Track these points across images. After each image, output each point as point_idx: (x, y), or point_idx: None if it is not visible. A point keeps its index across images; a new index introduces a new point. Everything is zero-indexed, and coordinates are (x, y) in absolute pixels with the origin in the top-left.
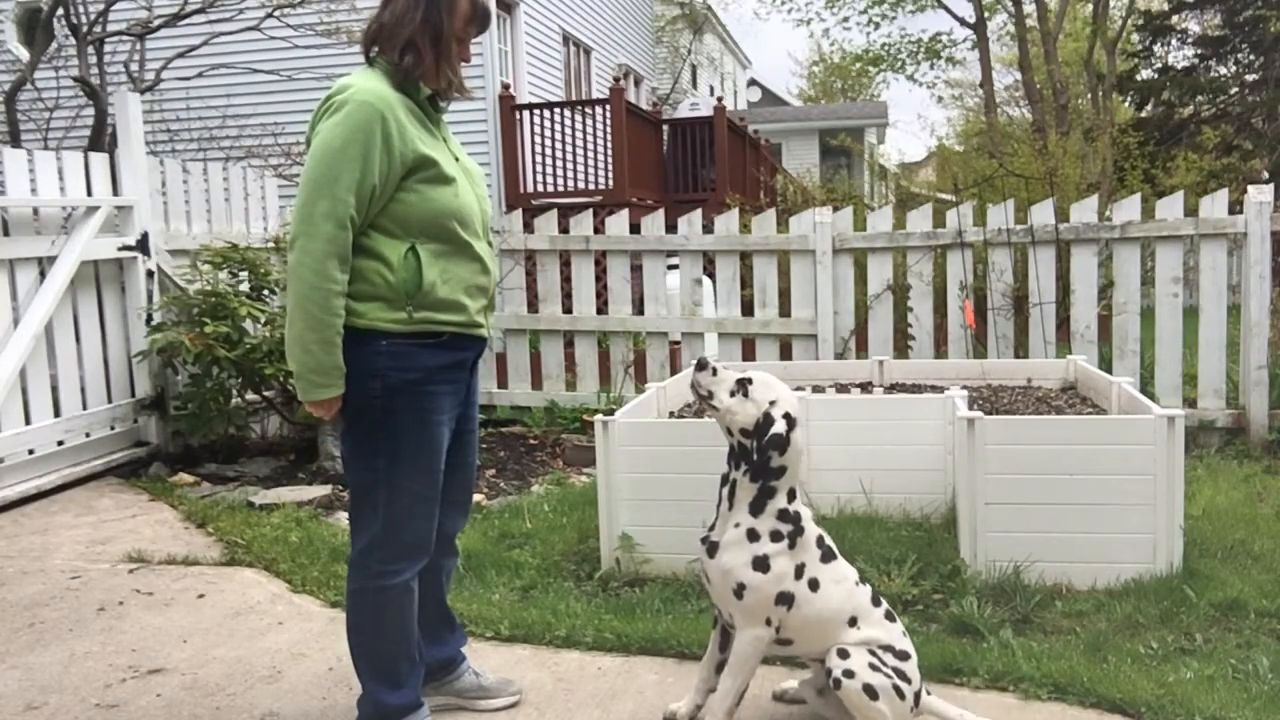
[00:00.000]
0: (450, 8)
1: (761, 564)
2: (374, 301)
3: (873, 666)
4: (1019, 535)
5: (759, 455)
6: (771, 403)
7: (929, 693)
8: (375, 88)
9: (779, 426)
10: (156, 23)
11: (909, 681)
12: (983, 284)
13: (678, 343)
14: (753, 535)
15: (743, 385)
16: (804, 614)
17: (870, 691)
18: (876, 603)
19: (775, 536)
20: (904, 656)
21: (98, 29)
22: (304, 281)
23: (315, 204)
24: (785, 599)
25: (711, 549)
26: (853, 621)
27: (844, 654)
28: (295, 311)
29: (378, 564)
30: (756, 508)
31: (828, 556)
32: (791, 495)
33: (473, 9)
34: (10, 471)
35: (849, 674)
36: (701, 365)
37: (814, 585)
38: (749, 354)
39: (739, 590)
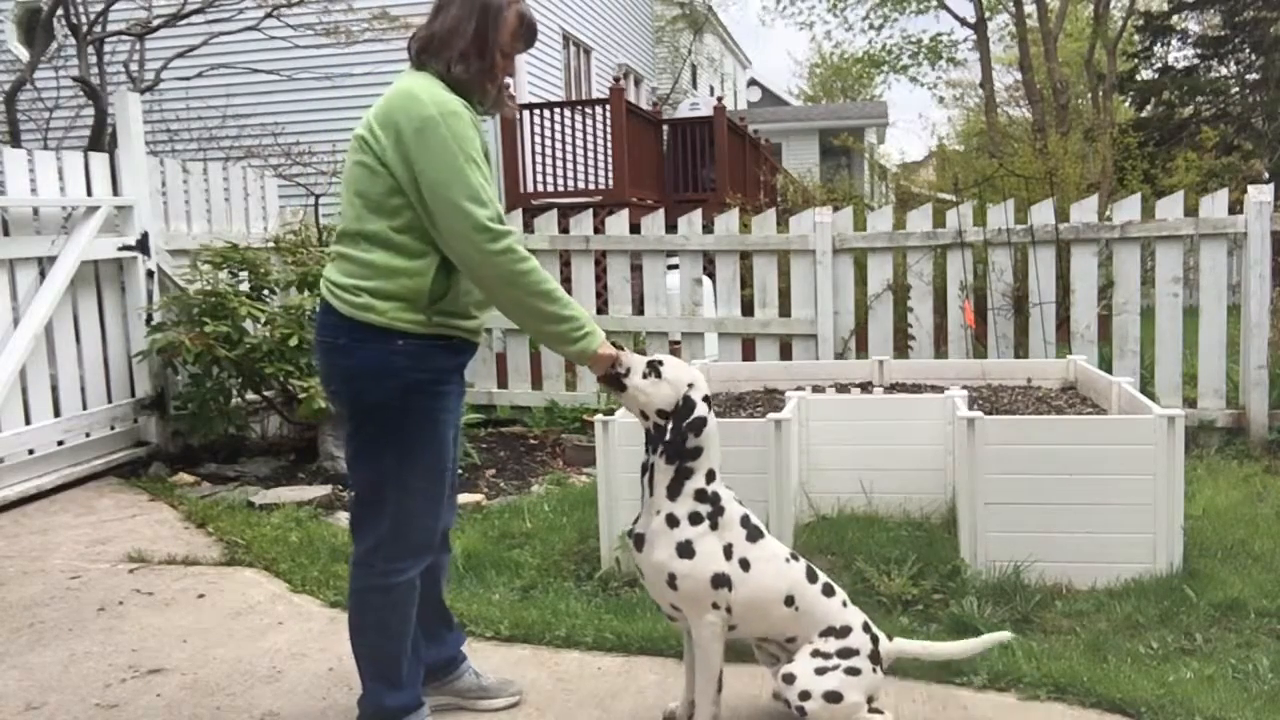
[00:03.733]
0: (499, 22)
1: (686, 549)
2: (396, 301)
3: (819, 671)
4: (1019, 535)
5: (674, 436)
6: (690, 385)
7: (889, 638)
8: (452, 98)
9: (701, 409)
10: (156, 23)
11: (856, 654)
12: (983, 284)
13: (678, 343)
14: (672, 521)
15: (654, 367)
16: (740, 595)
17: (832, 697)
18: (813, 578)
19: (694, 519)
20: (844, 632)
21: (98, 29)
22: (514, 273)
23: (475, 214)
24: (722, 580)
25: (638, 541)
26: (789, 600)
27: (789, 678)
28: (524, 303)
29: (384, 563)
30: (674, 490)
31: (754, 535)
32: (710, 476)
33: (520, 23)
34: (10, 471)
35: (805, 696)
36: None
37: (745, 565)
38: (749, 354)
39: (671, 581)
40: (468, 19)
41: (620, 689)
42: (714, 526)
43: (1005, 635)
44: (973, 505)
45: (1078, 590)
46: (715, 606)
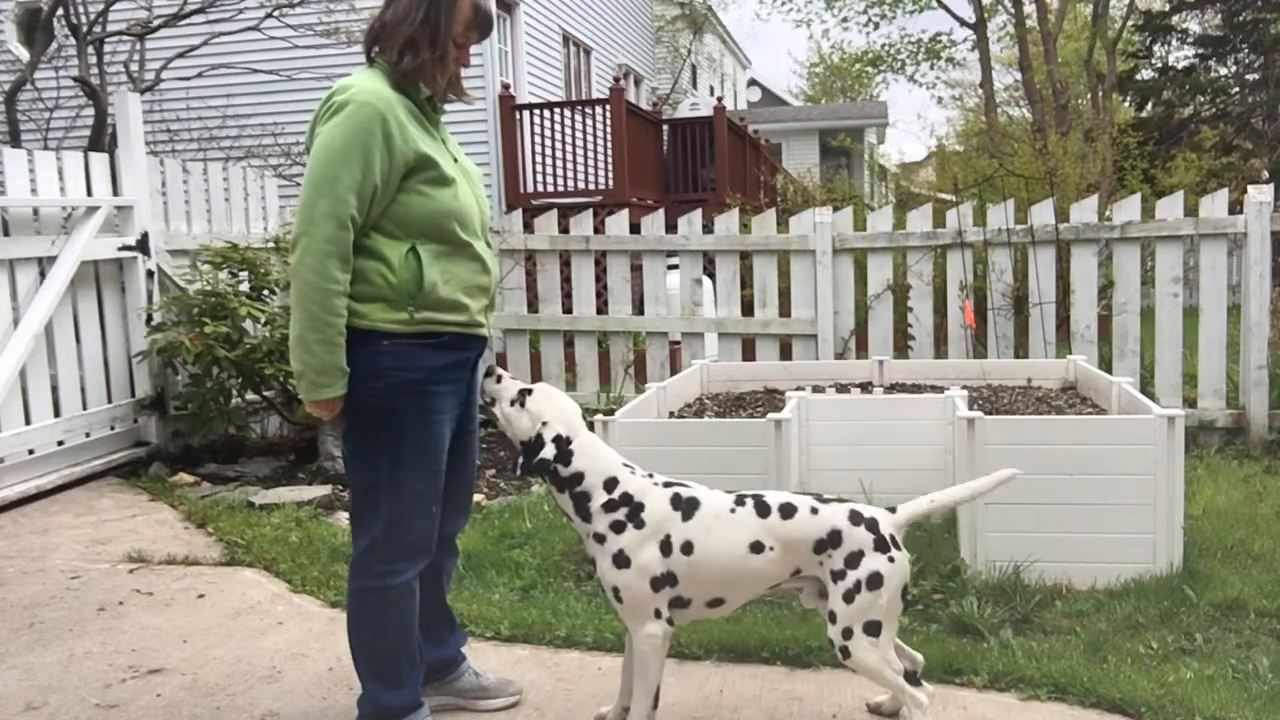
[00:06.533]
0: (451, 11)
1: (621, 559)
2: (376, 302)
3: (846, 596)
4: (1019, 535)
5: (528, 468)
6: (544, 423)
7: (893, 510)
8: (376, 88)
9: (547, 451)
10: (156, 23)
11: (862, 555)
12: (983, 284)
13: (678, 343)
14: (599, 539)
15: (522, 396)
16: (703, 575)
17: (872, 628)
18: (765, 511)
19: (617, 528)
20: (836, 539)
21: (98, 29)
22: (305, 281)
23: (316, 204)
24: (663, 581)
25: (594, 566)
26: (757, 546)
27: (833, 616)
28: (297, 311)
29: (380, 564)
30: (583, 513)
31: (689, 510)
32: (610, 485)
33: (474, 13)
34: (10, 471)
35: (848, 634)
36: (489, 373)
37: (688, 548)
38: (749, 354)
39: (616, 594)
40: (416, 8)
41: (620, 689)
42: (639, 525)
43: (1011, 471)
44: (972, 505)
45: (1078, 590)
46: (657, 615)
